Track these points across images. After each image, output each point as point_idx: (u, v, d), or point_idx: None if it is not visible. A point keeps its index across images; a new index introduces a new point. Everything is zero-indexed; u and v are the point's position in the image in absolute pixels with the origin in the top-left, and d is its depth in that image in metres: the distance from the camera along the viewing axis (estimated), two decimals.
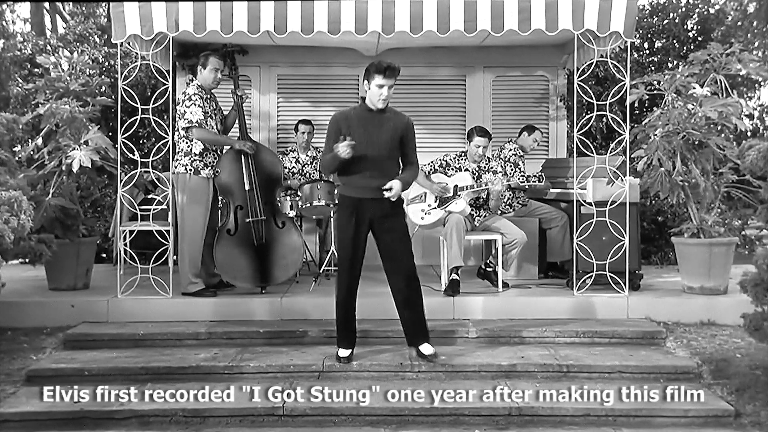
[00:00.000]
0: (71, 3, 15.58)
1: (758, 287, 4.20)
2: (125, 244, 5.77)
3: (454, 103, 7.87)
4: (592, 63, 5.74)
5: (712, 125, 5.87)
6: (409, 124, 4.59)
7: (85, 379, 4.46)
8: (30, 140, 6.24)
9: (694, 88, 5.90)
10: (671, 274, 6.84)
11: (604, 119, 6.77)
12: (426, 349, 4.61)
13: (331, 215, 6.52)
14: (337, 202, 4.58)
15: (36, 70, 8.01)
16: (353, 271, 4.54)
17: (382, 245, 4.54)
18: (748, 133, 6.66)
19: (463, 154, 6.21)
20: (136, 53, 6.07)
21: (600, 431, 4.01)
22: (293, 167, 7.13)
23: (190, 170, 5.73)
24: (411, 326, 4.64)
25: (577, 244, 5.72)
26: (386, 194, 4.41)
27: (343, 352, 4.63)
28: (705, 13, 8.46)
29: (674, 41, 8.26)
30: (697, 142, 5.89)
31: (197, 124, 5.68)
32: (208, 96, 5.88)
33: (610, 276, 5.64)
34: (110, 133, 6.78)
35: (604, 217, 5.66)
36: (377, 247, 4.57)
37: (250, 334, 5.17)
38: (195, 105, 5.70)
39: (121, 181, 5.67)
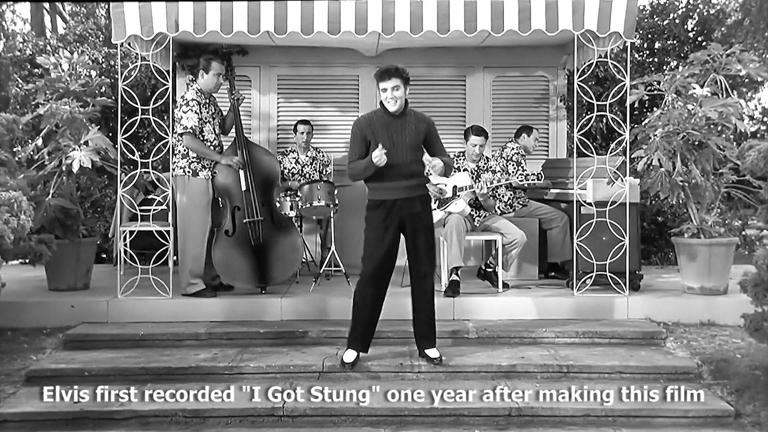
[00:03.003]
0: (71, 3, 15.56)
1: (758, 287, 4.20)
2: (125, 245, 5.77)
3: (454, 104, 7.86)
4: (592, 63, 5.74)
5: (712, 125, 5.86)
6: (430, 124, 4.68)
7: (85, 380, 4.46)
8: (30, 141, 6.23)
9: (694, 88, 5.90)
10: (671, 274, 6.84)
11: (604, 119, 6.77)
12: (432, 353, 4.63)
13: (331, 215, 6.52)
14: (367, 206, 4.57)
15: (36, 70, 8.00)
16: (381, 272, 4.52)
17: (410, 245, 4.58)
18: (748, 134, 6.64)
19: (461, 154, 6.22)
20: (136, 53, 6.07)
21: (600, 431, 4.01)
22: (293, 168, 7.13)
23: (188, 172, 5.73)
24: (421, 328, 4.66)
25: (577, 244, 5.72)
26: (428, 166, 4.59)
27: (350, 356, 4.56)
28: (705, 13, 8.46)
29: (674, 42, 8.27)
30: (697, 143, 5.89)
31: (191, 131, 5.67)
32: (208, 100, 5.87)
33: (610, 276, 5.64)
34: (110, 134, 6.78)
35: (604, 217, 5.66)
36: (406, 247, 4.59)
37: (250, 335, 5.17)
38: (192, 111, 5.69)
39: (121, 181, 5.68)
